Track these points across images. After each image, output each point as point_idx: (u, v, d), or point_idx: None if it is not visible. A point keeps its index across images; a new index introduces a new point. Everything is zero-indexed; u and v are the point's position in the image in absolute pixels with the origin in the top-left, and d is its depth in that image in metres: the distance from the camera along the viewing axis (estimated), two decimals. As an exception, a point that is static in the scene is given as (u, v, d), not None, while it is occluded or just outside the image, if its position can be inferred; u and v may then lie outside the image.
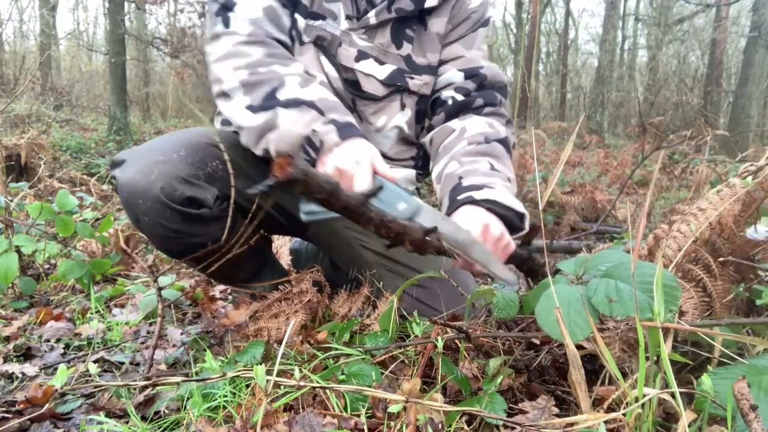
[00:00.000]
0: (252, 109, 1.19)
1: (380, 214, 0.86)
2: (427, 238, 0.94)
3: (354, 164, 1.10)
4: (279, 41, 1.30)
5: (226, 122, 1.43)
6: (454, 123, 1.40)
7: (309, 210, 1.14)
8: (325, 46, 1.35)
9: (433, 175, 1.41)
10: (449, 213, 1.21)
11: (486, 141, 1.34)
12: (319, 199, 0.76)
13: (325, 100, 1.19)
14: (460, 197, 1.21)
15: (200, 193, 1.26)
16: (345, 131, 1.16)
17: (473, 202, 1.18)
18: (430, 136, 1.45)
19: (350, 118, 1.20)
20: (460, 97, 1.41)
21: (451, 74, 1.42)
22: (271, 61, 1.22)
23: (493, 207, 1.17)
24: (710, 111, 10.72)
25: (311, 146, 1.15)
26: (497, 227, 1.14)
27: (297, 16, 1.34)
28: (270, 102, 1.18)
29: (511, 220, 1.18)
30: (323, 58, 1.36)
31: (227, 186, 1.32)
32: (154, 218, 1.24)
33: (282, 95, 1.18)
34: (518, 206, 1.19)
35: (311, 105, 1.17)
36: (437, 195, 1.36)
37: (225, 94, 1.23)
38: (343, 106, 1.23)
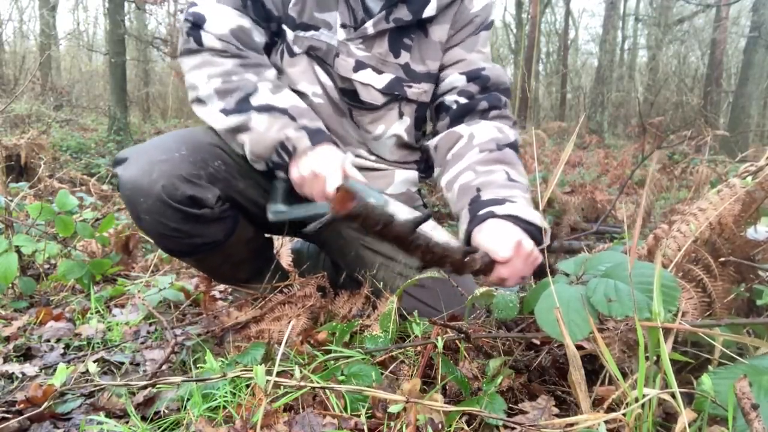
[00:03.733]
0: (225, 112, 1.25)
1: (426, 239, 0.90)
2: (465, 259, 0.98)
3: (326, 168, 1.18)
4: None
5: None
6: (461, 128, 1.39)
7: (276, 210, 1.24)
8: (319, 56, 1.35)
9: (443, 183, 1.38)
10: (472, 227, 1.19)
11: (498, 148, 1.33)
12: (376, 232, 0.80)
13: (296, 107, 1.26)
14: (481, 212, 1.19)
15: (201, 192, 1.26)
16: (316, 137, 1.24)
17: (495, 217, 1.17)
18: (436, 142, 1.43)
19: (320, 124, 1.27)
20: (463, 100, 1.40)
21: (453, 78, 1.41)
22: (243, 70, 1.27)
23: (515, 222, 1.16)
24: (710, 111, 10.72)
25: (284, 150, 1.22)
26: (528, 243, 1.13)
27: (285, 28, 1.34)
28: (243, 106, 1.24)
29: (533, 235, 1.17)
30: (318, 68, 1.36)
31: (229, 187, 1.32)
32: (155, 217, 1.25)
33: (255, 101, 1.24)
34: (539, 221, 1.19)
35: (283, 111, 1.24)
36: (452, 206, 1.35)
37: (200, 101, 1.28)
38: (312, 112, 1.29)
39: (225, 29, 1.27)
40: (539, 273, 1.19)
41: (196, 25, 1.27)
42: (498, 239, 1.11)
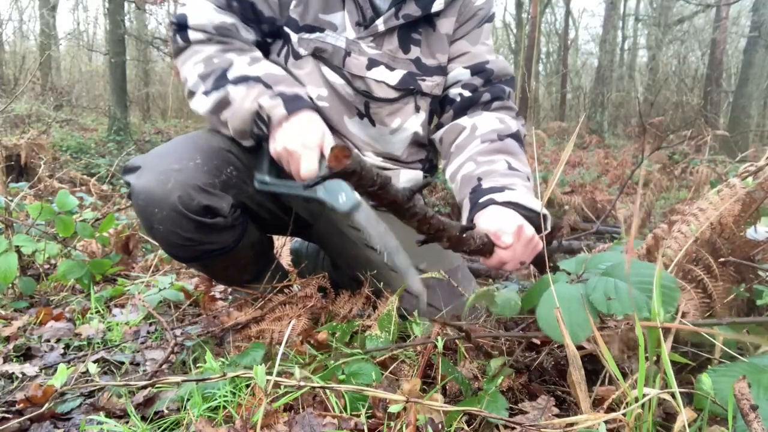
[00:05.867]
0: (206, 93, 1.24)
1: (423, 209, 0.88)
2: (463, 235, 0.97)
3: (301, 147, 1.13)
4: None
5: None
6: (464, 120, 1.40)
7: (261, 179, 1.21)
8: (326, 57, 1.34)
9: (447, 175, 1.41)
10: (472, 215, 1.20)
11: (499, 138, 1.34)
12: (371, 192, 0.77)
13: (272, 74, 1.23)
14: (481, 200, 1.21)
15: (216, 202, 1.24)
16: (292, 104, 1.18)
17: (495, 203, 1.18)
18: (440, 135, 1.45)
19: (299, 90, 1.23)
20: (467, 93, 1.41)
21: (458, 72, 1.42)
22: (224, 53, 1.27)
23: (515, 209, 1.17)
24: (710, 111, 10.72)
25: (261, 120, 1.18)
26: (529, 229, 1.14)
27: (287, 30, 1.33)
28: (220, 82, 1.22)
29: (533, 221, 1.17)
30: (325, 69, 1.35)
31: (241, 192, 1.32)
32: (169, 227, 1.23)
33: (231, 74, 1.22)
34: (539, 208, 1.19)
35: (257, 80, 1.21)
36: (455, 196, 1.36)
37: (191, 93, 1.28)
38: (292, 79, 1.26)
39: (208, 24, 1.28)
40: (539, 263, 1.19)
41: (181, 24, 1.28)
42: (500, 224, 1.12)
